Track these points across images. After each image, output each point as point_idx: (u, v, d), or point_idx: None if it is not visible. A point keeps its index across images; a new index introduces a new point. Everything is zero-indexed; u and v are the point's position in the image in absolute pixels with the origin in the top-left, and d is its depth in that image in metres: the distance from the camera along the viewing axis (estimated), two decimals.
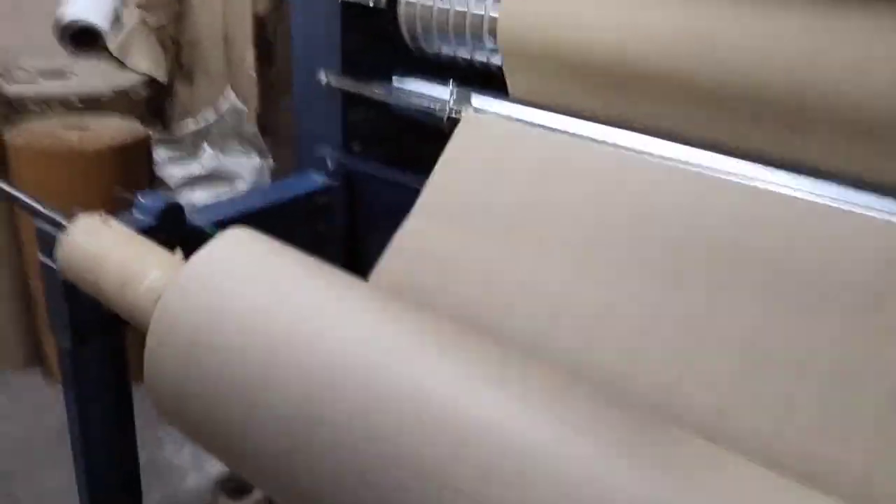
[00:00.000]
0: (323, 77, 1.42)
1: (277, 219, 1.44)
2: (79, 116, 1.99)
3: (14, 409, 1.95)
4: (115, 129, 1.96)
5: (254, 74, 2.14)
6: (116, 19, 2.25)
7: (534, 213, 1.13)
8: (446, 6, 1.30)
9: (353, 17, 1.39)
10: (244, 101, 2.12)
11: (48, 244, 1.11)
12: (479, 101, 1.29)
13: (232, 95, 2.10)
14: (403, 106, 1.37)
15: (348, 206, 1.50)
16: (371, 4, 1.34)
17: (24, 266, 1.97)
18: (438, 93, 1.36)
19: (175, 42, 2.13)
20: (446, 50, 1.36)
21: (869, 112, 0.93)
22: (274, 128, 2.25)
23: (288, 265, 0.91)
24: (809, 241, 0.94)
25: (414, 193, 1.41)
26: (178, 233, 1.23)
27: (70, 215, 1.10)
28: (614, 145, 1.14)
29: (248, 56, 2.11)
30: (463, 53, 1.35)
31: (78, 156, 1.79)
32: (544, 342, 0.99)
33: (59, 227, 1.10)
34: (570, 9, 1.17)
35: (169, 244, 1.10)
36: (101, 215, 1.09)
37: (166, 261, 1.02)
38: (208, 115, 2.06)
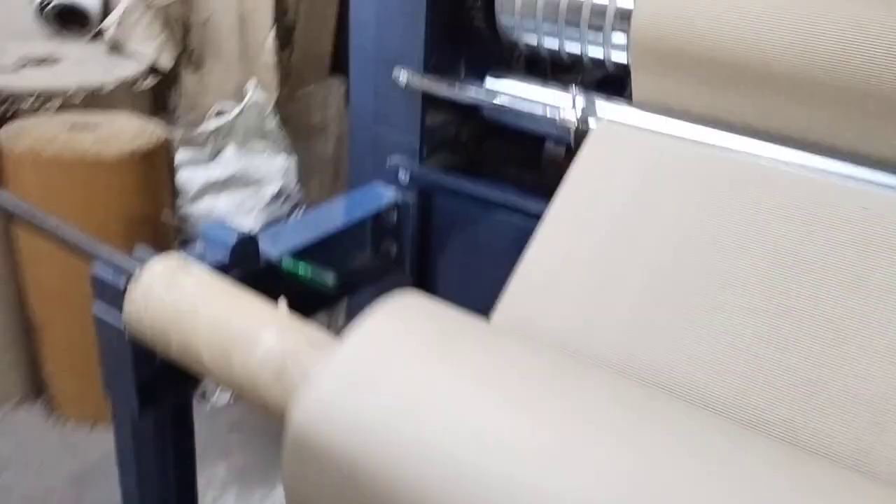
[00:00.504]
0: (402, 77, 1.22)
1: (348, 240, 1.25)
2: (81, 114, 1.72)
3: (18, 456, 1.67)
4: (130, 129, 1.69)
5: (274, 60, 1.92)
6: None
7: (699, 242, 0.96)
8: None
9: (439, 4, 1.20)
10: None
11: (106, 293, 0.91)
12: (603, 107, 1.12)
13: (255, 85, 1.86)
14: (509, 112, 1.18)
15: (421, 223, 1.31)
16: None
17: (19, 286, 1.72)
18: (544, 96, 1.18)
19: (182, 22, 1.88)
20: (549, 44, 1.18)
21: None
22: (293, 120, 2.03)
23: (476, 342, 0.72)
24: None
25: (501, 210, 1.24)
26: (252, 269, 1.04)
27: (135, 256, 0.89)
28: (779, 161, 0.98)
29: (268, 39, 1.88)
30: (571, 49, 1.16)
31: (94, 164, 1.53)
32: (741, 411, 0.82)
33: (119, 269, 0.89)
34: None
35: (244, 282, 0.91)
36: (178, 257, 0.89)
37: (274, 317, 0.82)
38: (229, 109, 1.82)
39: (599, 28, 1.12)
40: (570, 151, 1.13)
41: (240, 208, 1.74)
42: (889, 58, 0.89)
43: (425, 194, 1.30)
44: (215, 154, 1.77)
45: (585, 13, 1.12)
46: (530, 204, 1.19)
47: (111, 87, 1.75)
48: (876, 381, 0.79)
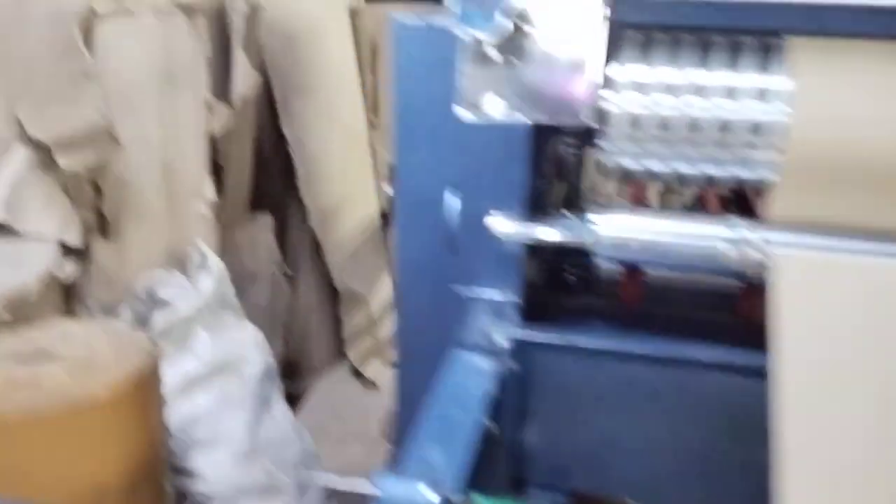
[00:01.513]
0: (500, 227, 1.02)
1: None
2: (18, 335, 1.27)
3: None
4: (101, 345, 1.25)
5: (208, 212, 1.61)
6: None
7: None
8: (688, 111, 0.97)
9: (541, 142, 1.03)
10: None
11: None
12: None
13: (203, 247, 1.54)
14: (644, 250, 1.01)
15: (520, 392, 1.11)
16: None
17: None
18: (683, 229, 1.03)
19: (91, 185, 1.52)
20: (660, 167, 1.03)
21: None
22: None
23: None
24: None
25: (614, 360, 1.07)
26: None
27: None
28: None
29: (204, 186, 1.58)
30: (687, 169, 1.02)
31: (73, 411, 1.09)
32: None
33: None
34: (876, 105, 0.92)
35: None
36: None
37: None
38: (160, 281, 1.48)
39: (729, 145, 0.99)
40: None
41: (227, 403, 1.41)
42: None
43: (528, 358, 1.10)
44: (180, 343, 1.42)
45: (712, 130, 0.99)
46: (689, 351, 1.06)
47: (38, 287, 1.35)
48: None
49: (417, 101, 1.05)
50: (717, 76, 0.97)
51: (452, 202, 1.06)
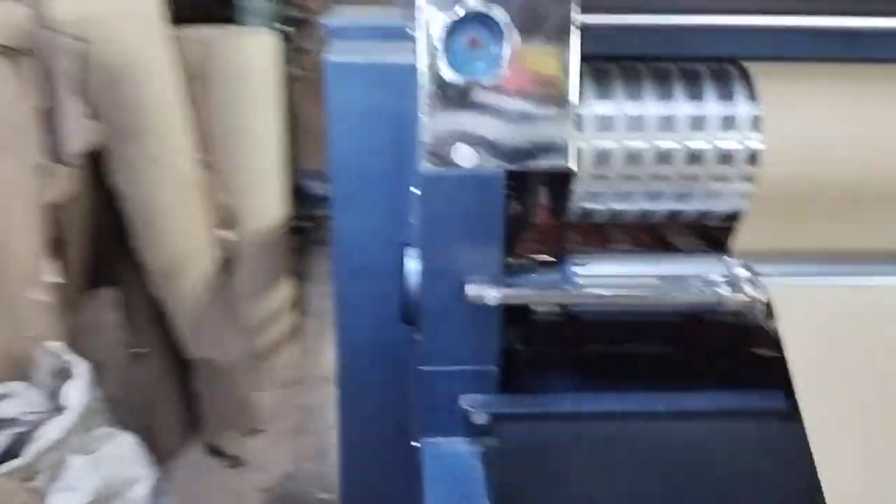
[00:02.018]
0: (477, 291, 0.89)
1: None
2: None
3: None
4: None
5: (48, 298, 1.32)
6: None
7: None
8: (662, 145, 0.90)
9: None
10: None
11: None
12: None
13: (55, 347, 1.22)
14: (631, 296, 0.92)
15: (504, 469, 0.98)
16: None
17: None
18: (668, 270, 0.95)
19: None
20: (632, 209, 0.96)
21: None
22: None
23: None
24: None
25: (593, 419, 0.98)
26: None
27: None
28: None
29: (42, 270, 1.28)
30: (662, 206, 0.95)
31: None
32: None
33: None
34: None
35: None
36: None
37: None
38: (17, 395, 1.15)
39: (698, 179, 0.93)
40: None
41: None
42: None
43: (506, 431, 0.97)
44: (52, 478, 1.11)
45: (680, 163, 0.92)
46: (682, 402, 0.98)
47: None
48: None
49: (360, 153, 0.91)
50: (683, 107, 0.92)
51: (411, 265, 0.92)
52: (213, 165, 2.09)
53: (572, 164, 0.86)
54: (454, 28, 0.73)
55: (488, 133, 0.83)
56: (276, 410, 2.21)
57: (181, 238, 1.99)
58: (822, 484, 0.83)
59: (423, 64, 0.80)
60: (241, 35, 2.26)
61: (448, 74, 0.78)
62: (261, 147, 2.22)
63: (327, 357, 2.44)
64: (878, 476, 0.84)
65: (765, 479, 0.99)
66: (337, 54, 0.88)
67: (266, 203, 2.30)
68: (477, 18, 0.72)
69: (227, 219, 2.17)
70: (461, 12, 0.73)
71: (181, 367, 2.10)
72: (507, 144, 0.84)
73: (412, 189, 0.90)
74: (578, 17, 0.82)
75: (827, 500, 0.82)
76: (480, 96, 0.81)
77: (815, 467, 0.84)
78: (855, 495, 0.83)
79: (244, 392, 2.17)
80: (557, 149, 0.85)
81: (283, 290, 2.46)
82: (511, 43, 0.76)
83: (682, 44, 0.95)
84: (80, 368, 1.24)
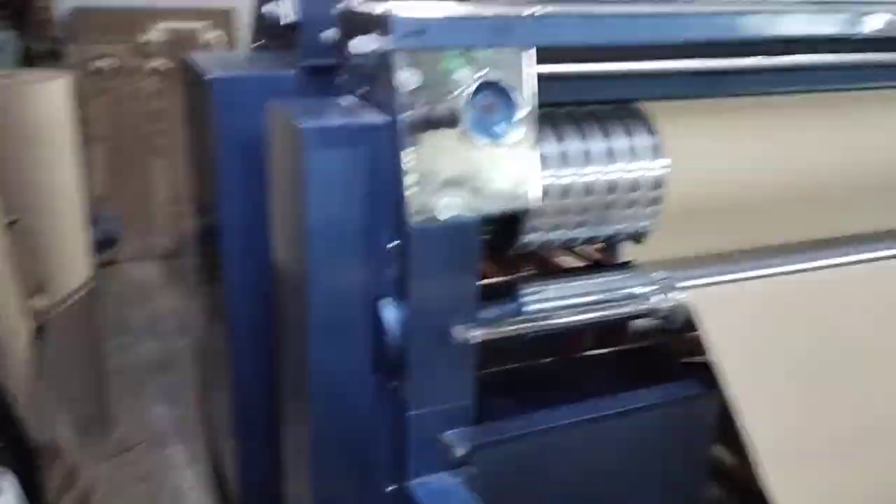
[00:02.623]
0: (463, 332, 0.94)
1: None
2: None
3: None
4: None
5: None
6: None
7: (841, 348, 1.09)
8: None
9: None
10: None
11: None
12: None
13: None
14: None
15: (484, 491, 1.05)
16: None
17: None
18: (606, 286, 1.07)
19: None
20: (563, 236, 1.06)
21: None
22: None
23: None
24: None
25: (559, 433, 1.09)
26: None
27: None
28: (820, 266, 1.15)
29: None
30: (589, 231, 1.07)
31: None
32: None
33: None
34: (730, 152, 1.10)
35: None
36: None
37: None
38: None
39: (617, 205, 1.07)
40: None
41: None
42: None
43: (485, 457, 1.03)
44: None
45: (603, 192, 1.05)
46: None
47: None
48: None
49: (335, 213, 0.91)
50: (598, 144, 1.05)
51: (389, 316, 0.95)
52: (17, 227, 1.88)
53: (535, 203, 0.95)
54: (472, 95, 0.78)
55: (467, 184, 0.90)
56: (118, 484, 2.04)
57: None
58: (756, 457, 1.00)
59: (414, 129, 0.85)
60: (29, 80, 2.05)
61: (471, 137, 0.83)
62: (62, 201, 2.03)
63: (156, 416, 2.30)
64: (805, 445, 1.03)
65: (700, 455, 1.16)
66: (307, 119, 0.89)
67: (72, 261, 2.11)
68: (488, 86, 0.79)
69: (36, 285, 1.97)
70: (472, 82, 0.78)
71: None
72: (484, 193, 0.91)
73: (389, 244, 0.93)
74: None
75: (760, 470, 0.99)
76: (464, 151, 0.88)
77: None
78: (785, 462, 1.01)
79: (78, 469, 1.97)
80: (527, 191, 0.93)
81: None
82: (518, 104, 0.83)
83: (591, 90, 1.08)
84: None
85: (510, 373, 1.26)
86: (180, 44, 3.40)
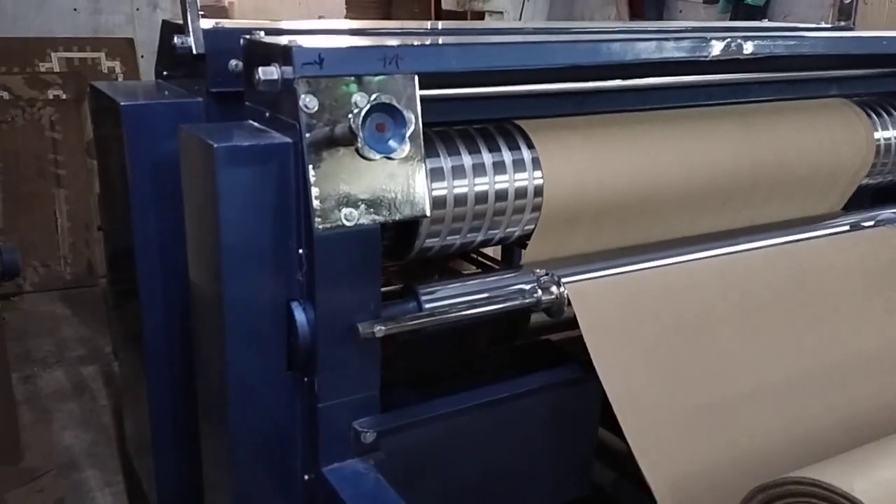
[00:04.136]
0: (368, 328, 1.04)
1: None
2: None
3: None
4: None
5: None
6: None
7: (704, 328, 1.26)
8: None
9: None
10: None
11: None
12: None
13: None
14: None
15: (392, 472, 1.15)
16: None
17: None
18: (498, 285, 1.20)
19: None
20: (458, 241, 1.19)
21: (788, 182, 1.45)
22: None
23: None
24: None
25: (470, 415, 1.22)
26: None
27: None
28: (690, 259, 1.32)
29: None
30: (480, 236, 1.21)
31: None
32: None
33: None
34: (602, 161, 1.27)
35: None
36: None
37: None
38: None
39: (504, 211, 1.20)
40: None
41: None
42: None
43: (391, 443, 1.14)
44: None
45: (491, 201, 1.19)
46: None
47: None
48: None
49: (247, 226, 1.01)
50: (487, 157, 1.19)
51: (300, 317, 1.05)
52: None
53: (426, 211, 1.07)
54: (366, 115, 0.90)
55: (367, 195, 1.01)
56: None
57: None
58: (627, 435, 1.14)
59: (316, 147, 0.96)
60: None
61: (365, 152, 0.95)
62: None
63: (67, 443, 2.29)
64: (669, 421, 1.17)
65: (586, 436, 1.31)
66: (218, 140, 0.99)
67: None
68: (380, 107, 0.90)
69: None
70: (366, 105, 0.90)
71: None
72: (382, 202, 1.03)
73: (299, 251, 1.04)
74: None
75: (632, 447, 1.13)
76: (361, 166, 0.99)
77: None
78: (652, 438, 1.15)
79: None
80: (418, 200, 1.05)
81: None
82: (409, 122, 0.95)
83: (476, 110, 1.22)
84: None
85: (421, 368, 1.39)
86: (79, 73, 3.41)
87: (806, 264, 1.39)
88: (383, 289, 1.16)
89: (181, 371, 1.35)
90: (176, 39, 1.30)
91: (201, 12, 1.30)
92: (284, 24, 1.56)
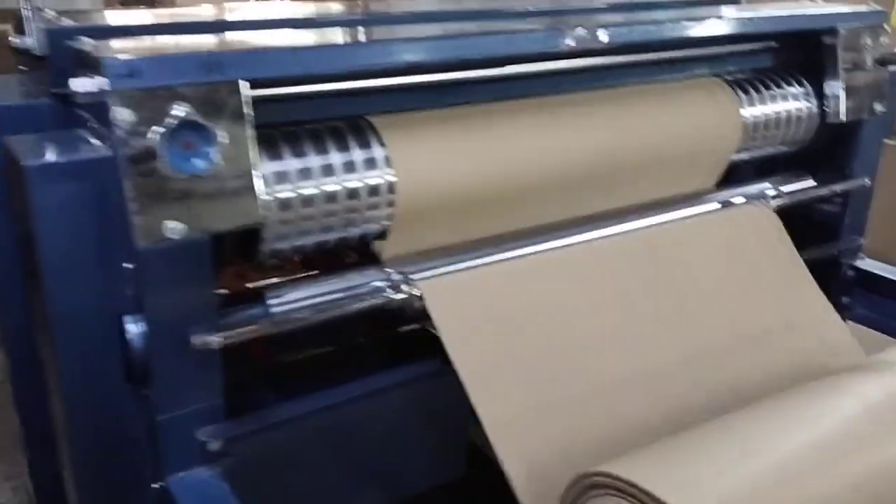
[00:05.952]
0: (201, 340, 1.04)
1: None
2: None
3: None
4: None
5: None
6: None
7: (556, 317, 1.29)
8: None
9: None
10: None
11: None
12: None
13: None
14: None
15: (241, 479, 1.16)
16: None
17: None
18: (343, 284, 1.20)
19: None
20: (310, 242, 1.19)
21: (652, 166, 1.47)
22: None
23: None
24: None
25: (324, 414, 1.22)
26: None
27: None
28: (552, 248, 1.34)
29: None
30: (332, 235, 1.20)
31: None
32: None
33: None
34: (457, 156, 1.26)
35: None
36: None
37: None
38: None
39: (357, 210, 1.20)
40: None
41: None
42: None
43: (240, 449, 1.15)
44: None
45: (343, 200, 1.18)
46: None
47: None
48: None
49: (70, 241, 1.00)
50: (335, 157, 1.18)
51: (133, 330, 1.05)
52: None
53: (262, 219, 1.06)
54: (171, 134, 0.88)
55: (192, 207, 1.00)
56: None
57: None
58: (485, 430, 1.16)
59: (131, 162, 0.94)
60: None
61: (169, 172, 0.93)
62: None
63: None
64: (524, 414, 1.20)
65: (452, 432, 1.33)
66: (30, 157, 0.96)
67: None
68: (186, 125, 0.89)
69: None
70: (173, 121, 0.89)
71: None
72: (208, 213, 1.01)
73: (125, 265, 1.02)
74: (249, 96, 1.02)
75: (489, 437, 1.15)
76: (182, 178, 0.97)
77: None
78: (509, 432, 1.18)
79: None
80: (249, 209, 1.04)
81: None
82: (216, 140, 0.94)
83: (323, 108, 1.20)
84: None
85: (294, 363, 1.39)
86: None
87: (667, 247, 1.42)
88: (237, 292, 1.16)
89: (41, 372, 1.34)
90: (14, 38, 1.26)
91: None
92: (166, 18, 1.51)
